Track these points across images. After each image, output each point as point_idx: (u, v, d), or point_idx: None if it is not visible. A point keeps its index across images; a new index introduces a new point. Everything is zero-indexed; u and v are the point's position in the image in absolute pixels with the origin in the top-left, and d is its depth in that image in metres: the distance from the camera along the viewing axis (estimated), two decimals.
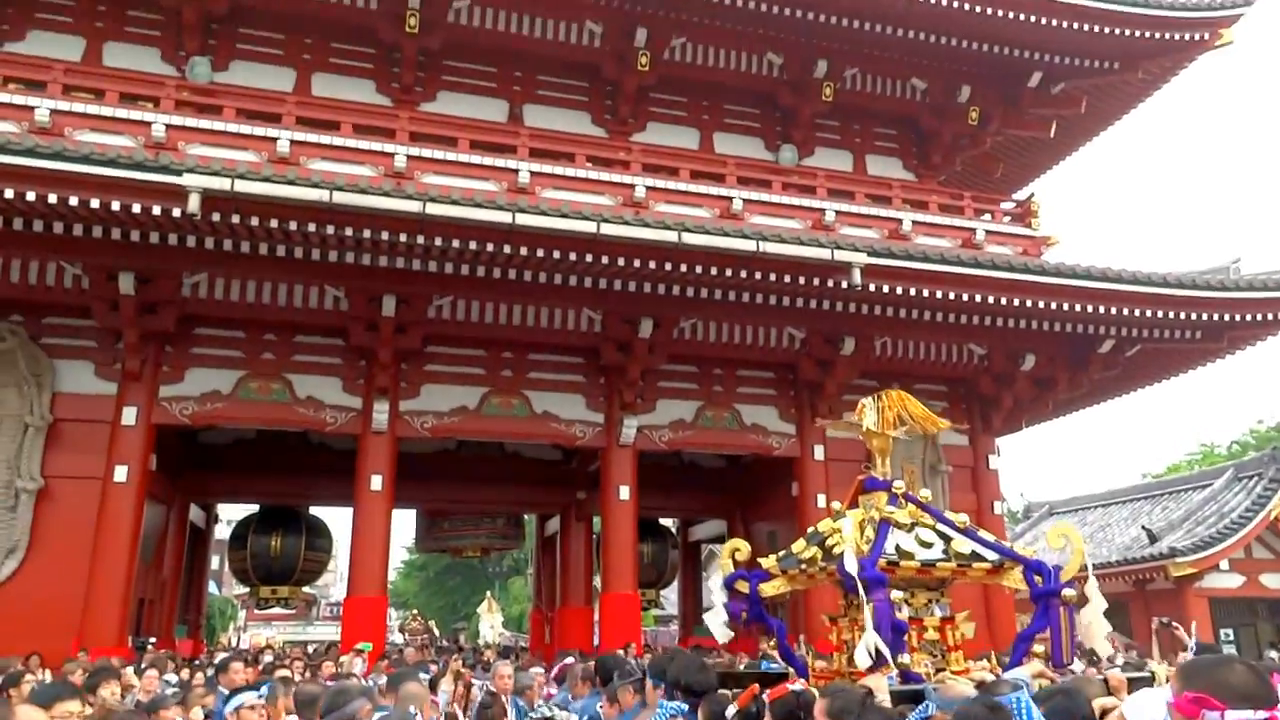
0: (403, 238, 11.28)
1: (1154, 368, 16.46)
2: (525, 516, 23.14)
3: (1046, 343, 15.38)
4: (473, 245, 11.52)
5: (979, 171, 18.62)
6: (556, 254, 11.75)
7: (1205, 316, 14.09)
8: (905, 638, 5.66)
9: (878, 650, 5.29)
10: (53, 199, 10.16)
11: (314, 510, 18.47)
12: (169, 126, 13.07)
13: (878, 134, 17.56)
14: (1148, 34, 15.26)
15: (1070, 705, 3.60)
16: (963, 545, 6.28)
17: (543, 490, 18.92)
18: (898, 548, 5.95)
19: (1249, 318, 14.17)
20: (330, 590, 55.72)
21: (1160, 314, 13.94)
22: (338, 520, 21.31)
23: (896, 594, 5.71)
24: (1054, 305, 13.47)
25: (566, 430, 14.58)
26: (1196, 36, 15.51)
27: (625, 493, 14.46)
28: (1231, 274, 14.28)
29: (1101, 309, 13.70)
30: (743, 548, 6.36)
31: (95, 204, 10.23)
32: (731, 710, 4.45)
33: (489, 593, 36.63)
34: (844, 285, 12.65)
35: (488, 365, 14.42)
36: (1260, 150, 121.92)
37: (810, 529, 6.75)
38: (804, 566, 6.25)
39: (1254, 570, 20.81)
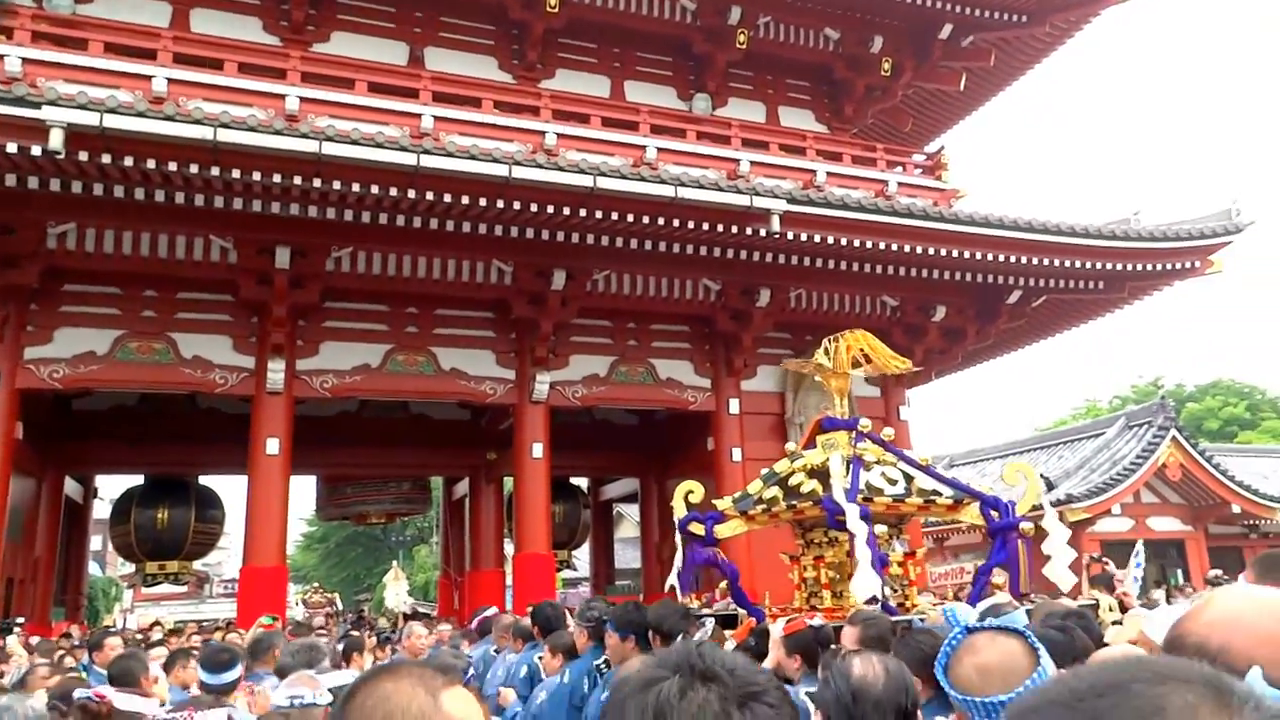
0: (297, 181, 10.47)
1: (1058, 318, 16.82)
2: (432, 480, 22.47)
3: (957, 294, 15.50)
4: (374, 190, 10.76)
5: (890, 125, 18.58)
6: (465, 200, 11.12)
7: (1108, 266, 14.37)
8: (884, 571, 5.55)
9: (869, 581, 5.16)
10: None
11: (204, 480, 17.42)
12: (25, 61, 11.78)
13: (791, 85, 17.30)
14: None
15: (1090, 626, 3.77)
16: (925, 482, 6.20)
17: (451, 452, 18.29)
18: (868, 484, 5.83)
19: (1149, 267, 14.52)
20: (223, 567, 53.54)
21: (1066, 264, 14.14)
22: (231, 490, 20.21)
23: (880, 529, 5.58)
24: (966, 254, 13.51)
25: (476, 388, 13.99)
26: None
27: (538, 450, 14.00)
28: (1133, 225, 14.59)
29: (1011, 258, 13.80)
30: (697, 490, 6.15)
31: None
32: (730, 645, 4.29)
33: (394, 561, 35.75)
34: (762, 233, 12.39)
35: (391, 321, 13.68)
36: (1160, 106, 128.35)
37: (766, 470, 6.57)
38: (765, 506, 6.05)
39: (1142, 514, 21.73)
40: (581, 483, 21.25)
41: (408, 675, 1.27)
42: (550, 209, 11.47)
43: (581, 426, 17.40)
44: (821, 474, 6.10)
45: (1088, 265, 14.22)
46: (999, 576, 6.31)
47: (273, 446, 12.53)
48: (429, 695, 1.24)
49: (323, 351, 13.19)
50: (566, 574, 30.60)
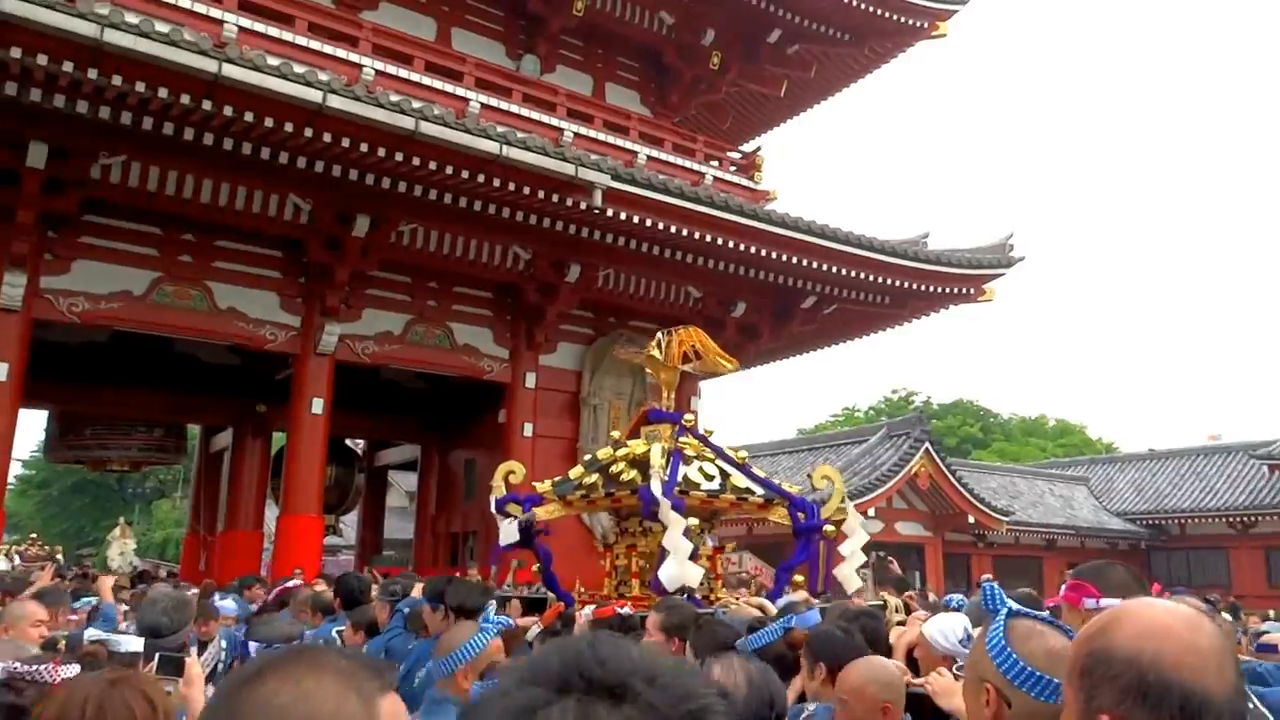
0: (67, 68, 9.06)
1: (845, 328, 17.67)
2: (190, 428, 20.57)
3: (757, 292, 15.91)
4: (163, 94, 9.51)
5: (710, 119, 18.82)
6: (269, 122, 10.07)
7: (897, 283, 15.21)
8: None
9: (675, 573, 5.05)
10: None
11: None
12: None
13: (621, 63, 17.12)
14: (877, 11, 16.04)
15: (877, 626, 3.89)
16: (740, 480, 6.20)
17: (216, 399, 16.75)
18: (685, 478, 5.78)
19: (932, 289, 15.51)
20: None
21: (860, 275, 14.83)
22: None
23: (692, 521, 5.49)
24: (773, 254, 13.85)
25: (255, 331, 12.82)
26: (917, 24, 16.58)
27: (319, 406, 13.03)
28: (921, 247, 15.54)
29: (812, 263, 14.28)
30: (518, 470, 5.86)
31: None
32: (535, 630, 4.09)
33: (123, 517, 32.59)
34: (583, 206, 12.11)
35: (163, 246, 12.26)
36: (967, 135, 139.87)
37: (588, 456, 6.37)
38: (585, 492, 5.85)
39: (892, 518, 23.42)
40: (356, 445, 20.19)
41: (334, 671, 0.92)
42: (364, 147, 10.62)
43: (365, 386, 16.43)
44: (642, 464, 5.97)
45: (879, 280, 14.99)
46: (798, 575, 6.44)
47: (0, 372, 10.88)
48: (361, 702, 0.92)
49: (75, 270, 11.61)
50: (329, 540, 29.04)
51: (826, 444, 27.00)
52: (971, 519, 24.30)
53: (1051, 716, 1.69)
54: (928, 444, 23.42)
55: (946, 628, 3.56)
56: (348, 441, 19.05)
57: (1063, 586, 2.71)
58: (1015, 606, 1.95)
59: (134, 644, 2.89)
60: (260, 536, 16.96)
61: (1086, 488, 32.81)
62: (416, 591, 4.91)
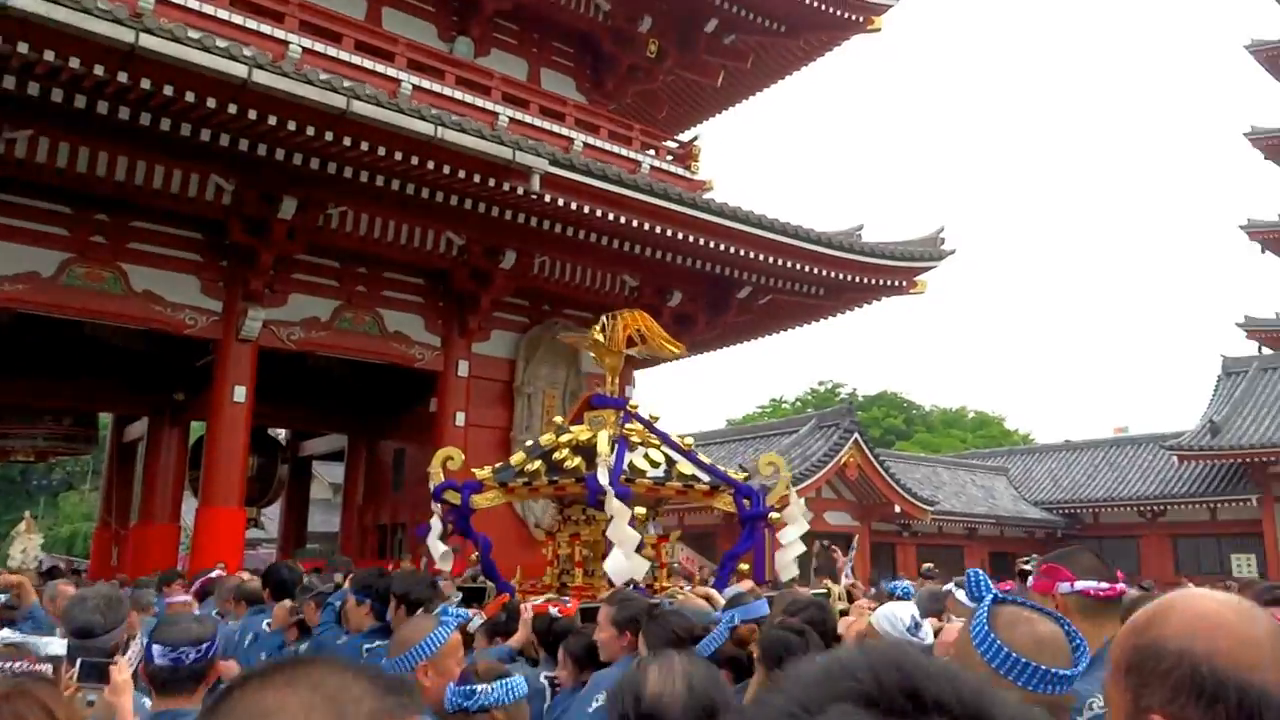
0: None
1: (779, 318, 17.74)
2: (101, 416, 19.68)
3: (693, 282, 15.86)
4: (74, 64, 8.99)
5: (645, 108, 18.67)
6: (190, 97, 9.60)
7: (832, 274, 15.31)
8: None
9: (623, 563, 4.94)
10: None
11: None
12: None
13: (556, 48, 16.85)
14: (813, 4, 16.08)
15: (825, 617, 3.84)
16: (686, 467, 6.09)
17: (129, 386, 16.02)
18: (631, 465, 5.64)
19: (866, 280, 15.66)
20: None
21: (796, 266, 14.88)
22: None
23: (639, 510, 5.36)
24: (711, 244, 13.80)
25: (173, 316, 12.27)
26: (853, 17, 16.68)
27: (241, 394, 12.55)
28: (856, 239, 15.68)
29: (748, 253, 14.26)
30: (456, 455, 5.64)
31: None
32: (478, 622, 3.95)
33: (28, 511, 31.12)
34: (520, 192, 11.87)
35: (74, 226, 11.65)
36: (896, 133, 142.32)
37: (530, 442, 6.19)
38: (527, 480, 5.66)
39: (821, 508, 23.66)
40: (279, 435, 19.58)
41: (322, 693, 0.75)
42: (292, 126, 10.22)
43: (291, 373, 15.93)
44: (586, 450, 5.83)
45: (814, 271, 15.07)
46: (744, 564, 6.40)
47: None
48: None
49: None
50: (250, 533, 28.24)
51: (757, 434, 27.18)
52: (898, 508, 24.74)
53: (1046, 707, 1.65)
54: (857, 435, 23.73)
55: (894, 616, 3.58)
56: (270, 431, 18.45)
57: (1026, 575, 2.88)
58: (1000, 593, 1.88)
59: (57, 647, 2.64)
60: (177, 530, 16.31)
61: (1006, 478, 33.72)
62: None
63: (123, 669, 2.66)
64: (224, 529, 12.44)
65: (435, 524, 5.69)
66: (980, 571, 2.00)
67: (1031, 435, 53.71)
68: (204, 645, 2.79)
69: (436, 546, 5.42)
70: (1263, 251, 35.85)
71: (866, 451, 23.89)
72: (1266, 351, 32.59)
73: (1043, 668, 1.69)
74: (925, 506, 25.23)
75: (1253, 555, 27.05)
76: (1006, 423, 57.20)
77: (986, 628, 1.76)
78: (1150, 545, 29.66)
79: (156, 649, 2.69)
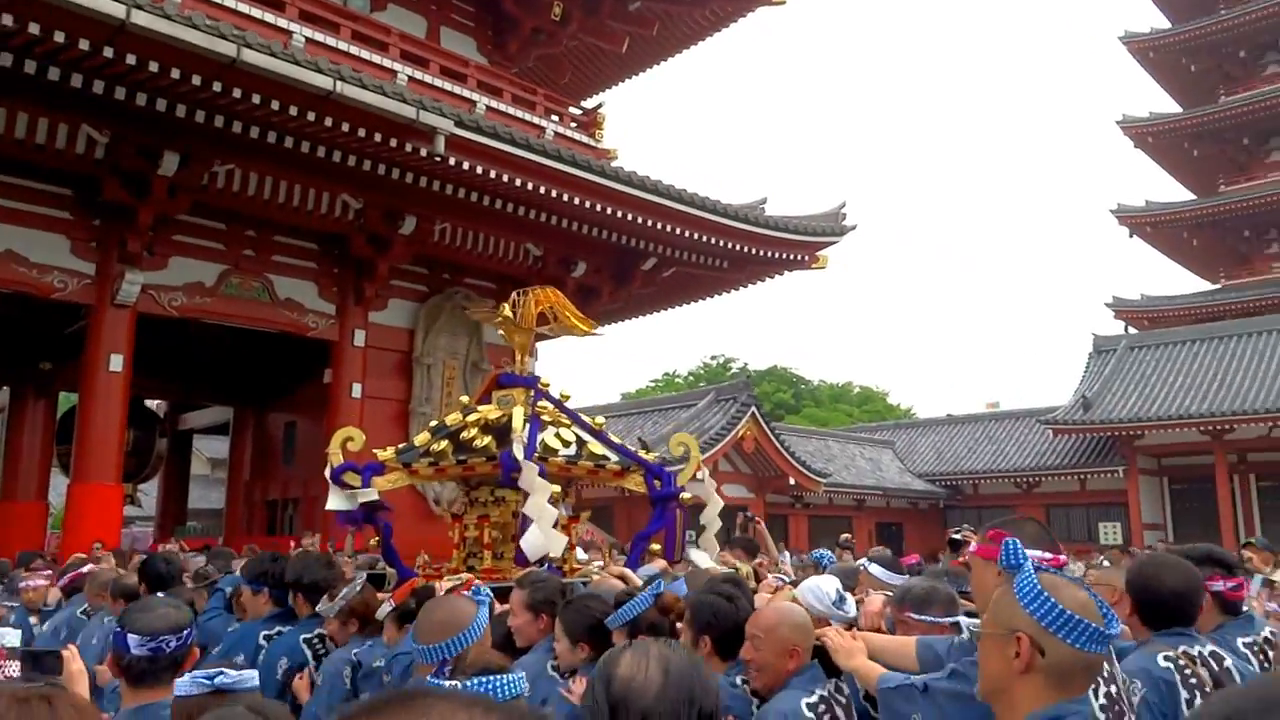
0: None
1: (683, 290, 17.70)
2: None
3: (598, 252, 15.65)
4: None
5: (548, 73, 18.26)
6: (60, 37, 8.80)
7: (735, 247, 15.32)
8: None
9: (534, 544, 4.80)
10: None
11: None
12: None
13: (456, 6, 16.26)
14: None
15: (744, 591, 3.61)
16: (596, 447, 5.94)
17: None
18: (543, 444, 5.46)
19: (769, 254, 15.73)
20: None
21: (700, 238, 14.82)
22: None
23: (555, 488, 5.19)
24: (617, 213, 13.60)
25: (40, 279, 11.36)
26: None
27: (117, 363, 11.74)
28: (760, 212, 15.71)
29: (653, 223, 14.10)
30: (356, 436, 5.32)
31: None
32: (386, 608, 3.71)
33: None
34: (423, 153, 11.39)
35: None
36: (798, 107, 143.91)
37: (434, 422, 5.92)
38: (433, 460, 5.39)
39: (719, 481, 23.72)
40: (156, 407, 18.51)
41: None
42: (176, 74, 9.49)
43: (169, 342, 15.00)
44: (497, 430, 5.60)
45: (719, 243, 15.05)
46: (655, 544, 6.31)
47: None
48: None
49: None
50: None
51: (654, 408, 27.24)
52: (792, 481, 25.22)
53: (1082, 666, 1.79)
54: (754, 409, 24.03)
55: (820, 590, 3.56)
56: (147, 403, 17.41)
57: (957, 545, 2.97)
58: (1037, 563, 1.95)
59: (10, 637, 2.37)
60: (44, 508, 15.24)
61: (892, 451, 34.83)
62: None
63: (74, 657, 2.40)
64: (99, 506, 11.64)
65: (336, 496, 5.31)
66: (1015, 541, 2.08)
67: (913, 410, 55.67)
68: (184, 632, 2.60)
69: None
70: (1130, 236, 37.92)
71: (763, 425, 24.23)
72: (1134, 331, 34.52)
73: (1093, 626, 1.79)
74: (818, 479, 25.80)
75: (1118, 524, 28.71)
76: (890, 397, 59.15)
77: (1039, 588, 1.84)
78: (1026, 514, 31.12)
79: (133, 639, 2.49)
